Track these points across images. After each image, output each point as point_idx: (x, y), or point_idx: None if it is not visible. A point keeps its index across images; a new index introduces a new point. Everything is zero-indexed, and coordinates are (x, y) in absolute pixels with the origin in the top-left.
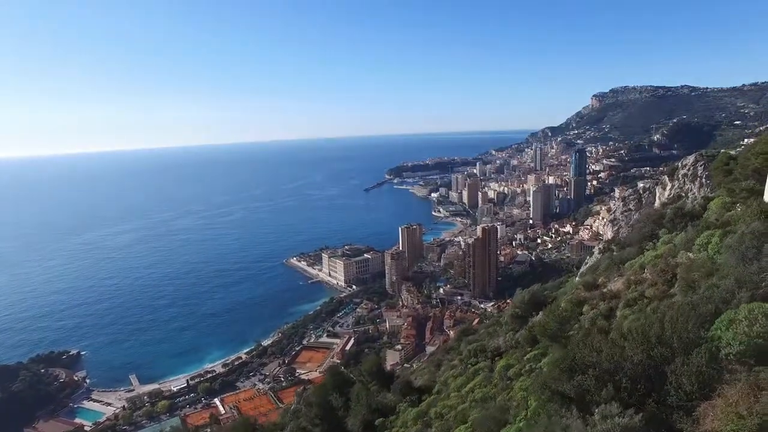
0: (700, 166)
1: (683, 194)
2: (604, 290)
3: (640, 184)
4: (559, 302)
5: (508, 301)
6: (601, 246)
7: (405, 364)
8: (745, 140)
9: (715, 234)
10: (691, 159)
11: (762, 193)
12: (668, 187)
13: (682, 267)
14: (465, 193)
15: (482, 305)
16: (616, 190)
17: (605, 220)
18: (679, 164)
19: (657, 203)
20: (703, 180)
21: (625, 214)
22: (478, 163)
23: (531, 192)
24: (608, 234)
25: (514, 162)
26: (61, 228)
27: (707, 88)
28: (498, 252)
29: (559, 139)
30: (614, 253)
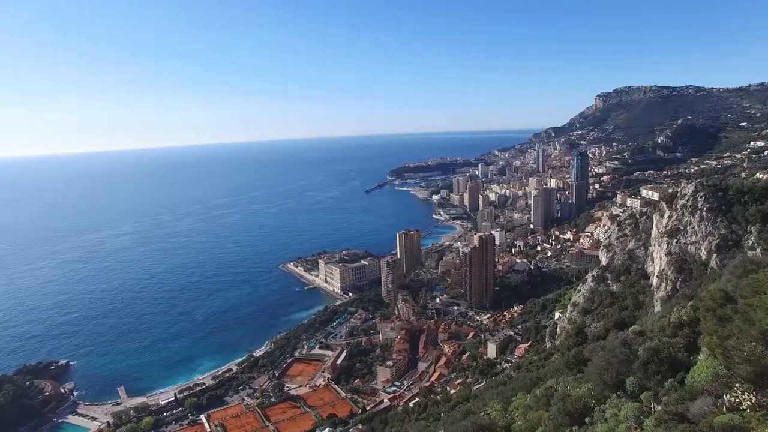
0: (701, 197)
1: (681, 227)
2: None
3: (643, 192)
4: None
5: (505, 313)
6: (595, 273)
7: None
8: (752, 143)
9: None
10: (690, 189)
11: None
12: (666, 215)
13: None
14: (466, 196)
15: (478, 317)
16: (618, 195)
17: (601, 246)
18: (678, 192)
19: (654, 232)
20: (704, 213)
21: (621, 239)
22: (480, 164)
23: (532, 196)
24: (603, 260)
25: (517, 163)
26: (59, 230)
27: (712, 88)
28: (496, 260)
29: (562, 139)
30: (567, 399)
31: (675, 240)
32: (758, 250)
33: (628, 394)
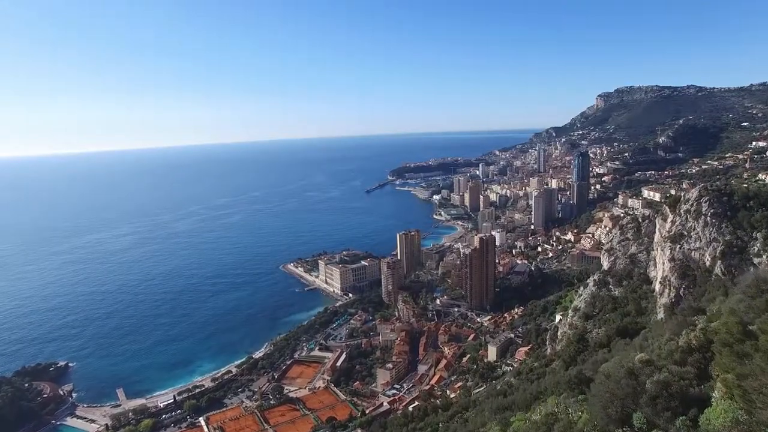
0: (705, 202)
1: (685, 232)
2: None
3: (644, 192)
4: None
5: (505, 314)
6: (596, 277)
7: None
8: (753, 143)
9: None
10: (694, 193)
11: None
12: (669, 220)
13: None
14: (467, 196)
15: (479, 318)
16: (620, 196)
17: (602, 249)
18: (682, 196)
19: (657, 236)
20: (708, 218)
21: (623, 243)
22: (480, 164)
23: (533, 196)
24: (605, 264)
25: (518, 163)
26: (59, 230)
27: (714, 88)
28: (497, 261)
29: (563, 139)
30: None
31: (678, 245)
32: (764, 257)
33: (635, 431)
